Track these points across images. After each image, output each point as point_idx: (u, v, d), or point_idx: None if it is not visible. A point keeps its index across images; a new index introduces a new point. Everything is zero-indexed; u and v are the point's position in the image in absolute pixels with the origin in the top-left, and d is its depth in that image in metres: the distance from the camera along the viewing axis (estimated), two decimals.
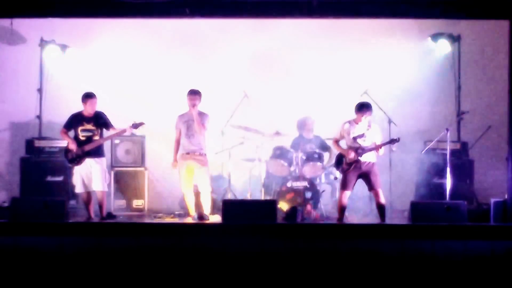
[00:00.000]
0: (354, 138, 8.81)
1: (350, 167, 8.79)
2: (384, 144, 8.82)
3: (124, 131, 9.23)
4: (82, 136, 9.11)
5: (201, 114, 9.18)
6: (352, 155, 8.74)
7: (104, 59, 10.82)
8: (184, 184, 9.25)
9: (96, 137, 9.12)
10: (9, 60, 10.86)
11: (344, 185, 8.84)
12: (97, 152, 9.13)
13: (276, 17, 9.67)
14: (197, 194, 9.29)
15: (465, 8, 8.75)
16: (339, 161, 8.94)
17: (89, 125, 9.12)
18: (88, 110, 9.13)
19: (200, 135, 9.13)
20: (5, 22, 10.50)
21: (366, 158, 8.80)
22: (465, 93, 10.69)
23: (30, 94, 10.73)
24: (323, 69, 10.92)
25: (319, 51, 10.88)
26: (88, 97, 9.14)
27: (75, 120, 9.16)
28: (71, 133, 9.19)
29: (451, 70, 10.74)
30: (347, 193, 8.84)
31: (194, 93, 9.18)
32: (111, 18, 9.80)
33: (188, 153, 9.18)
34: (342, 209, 8.87)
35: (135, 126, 9.19)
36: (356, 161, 8.76)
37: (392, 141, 8.81)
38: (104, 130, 9.23)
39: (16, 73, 10.83)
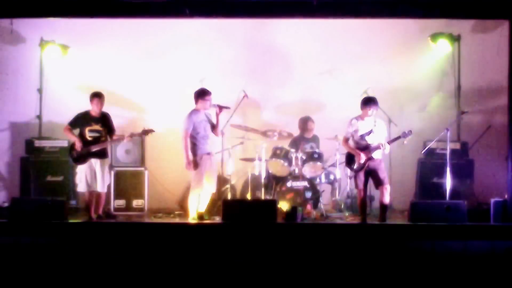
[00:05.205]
0: (362, 136, 8.80)
1: (362, 167, 8.77)
2: (395, 139, 8.80)
3: (134, 135, 9.30)
4: (89, 136, 9.11)
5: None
6: (363, 159, 8.72)
7: (104, 59, 10.79)
8: (202, 185, 9.08)
9: (103, 138, 9.13)
10: (9, 60, 10.83)
11: (357, 185, 8.85)
12: (102, 153, 9.16)
13: (277, 17, 9.68)
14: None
15: (465, 8, 8.75)
16: (351, 160, 8.92)
17: (97, 126, 9.14)
18: (95, 109, 9.14)
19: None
20: (5, 22, 10.49)
21: (374, 155, 8.79)
22: (465, 93, 10.68)
23: (30, 94, 10.71)
24: (323, 69, 10.91)
25: (319, 50, 10.87)
26: (96, 96, 9.18)
27: (83, 120, 9.17)
28: (76, 131, 9.19)
29: (451, 70, 10.73)
30: (363, 191, 8.82)
31: (208, 93, 9.06)
32: (111, 18, 9.78)
33: (208, 154, 9.12)
34: (362, 208, 8.86)
35: (145, 132, 9.26)
36: (369, 158, 8.75)
37: (404, 135, 8.74)
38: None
39: (16, 73, 10.81)
